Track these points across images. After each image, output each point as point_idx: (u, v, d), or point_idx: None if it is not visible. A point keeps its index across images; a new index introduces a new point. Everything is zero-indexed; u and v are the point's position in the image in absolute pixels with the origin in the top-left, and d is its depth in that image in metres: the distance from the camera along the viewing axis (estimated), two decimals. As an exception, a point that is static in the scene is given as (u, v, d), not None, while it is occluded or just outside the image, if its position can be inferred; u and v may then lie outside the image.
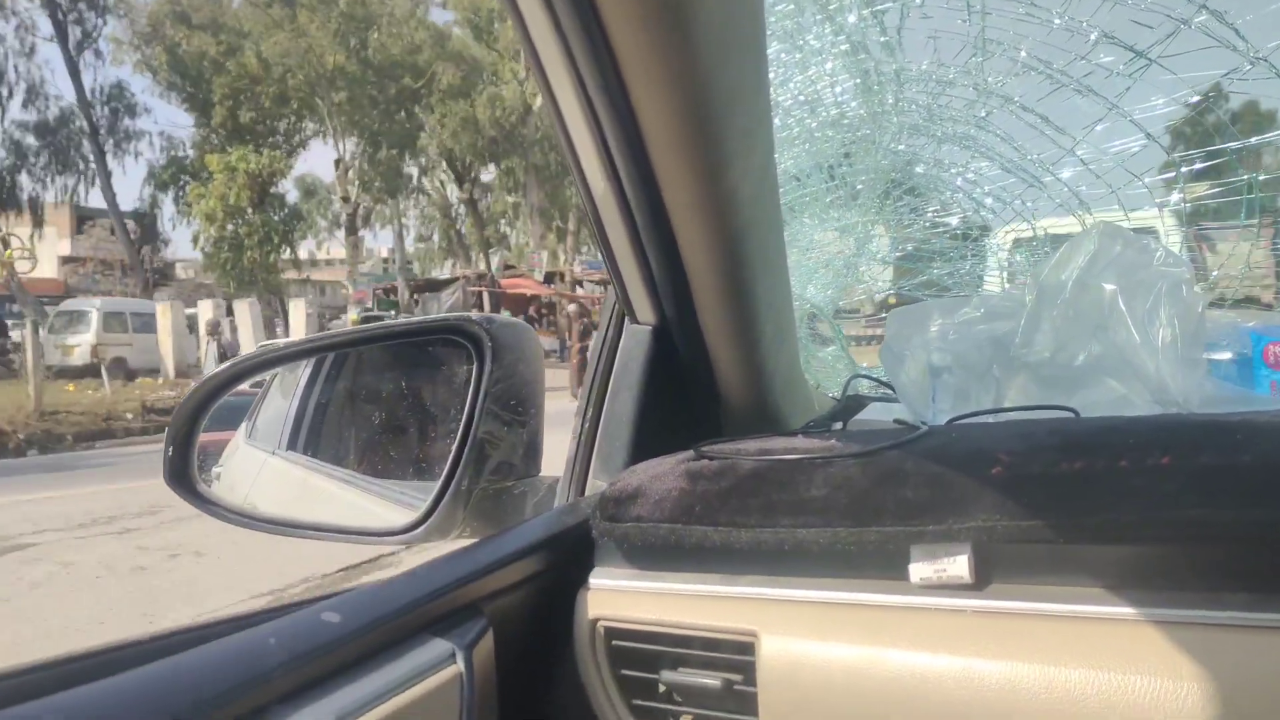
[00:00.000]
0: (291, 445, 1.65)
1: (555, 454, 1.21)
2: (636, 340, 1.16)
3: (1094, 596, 0.76)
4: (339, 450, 1.62)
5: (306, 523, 1.24)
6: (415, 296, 38.60)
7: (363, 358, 1.53)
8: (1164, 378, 1.08)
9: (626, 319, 1.17)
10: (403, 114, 43.28)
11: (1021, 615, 0.78)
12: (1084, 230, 1.25)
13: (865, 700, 0.80)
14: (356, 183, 42.29)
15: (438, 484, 1.12)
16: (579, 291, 42.94)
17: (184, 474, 1.22)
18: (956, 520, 0.80)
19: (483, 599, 0.87)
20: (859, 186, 1.34)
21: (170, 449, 1.22)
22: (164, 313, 26.12)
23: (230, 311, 27.23)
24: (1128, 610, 0.75)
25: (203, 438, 1.26)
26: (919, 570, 0.82)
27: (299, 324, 28.79)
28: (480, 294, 36.66)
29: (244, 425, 1.77)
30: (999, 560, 0.80)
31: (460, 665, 0.79)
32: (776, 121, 1.12)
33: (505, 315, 1.38)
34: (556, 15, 0.77)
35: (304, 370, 1.63)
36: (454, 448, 1.12)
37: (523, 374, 1.17)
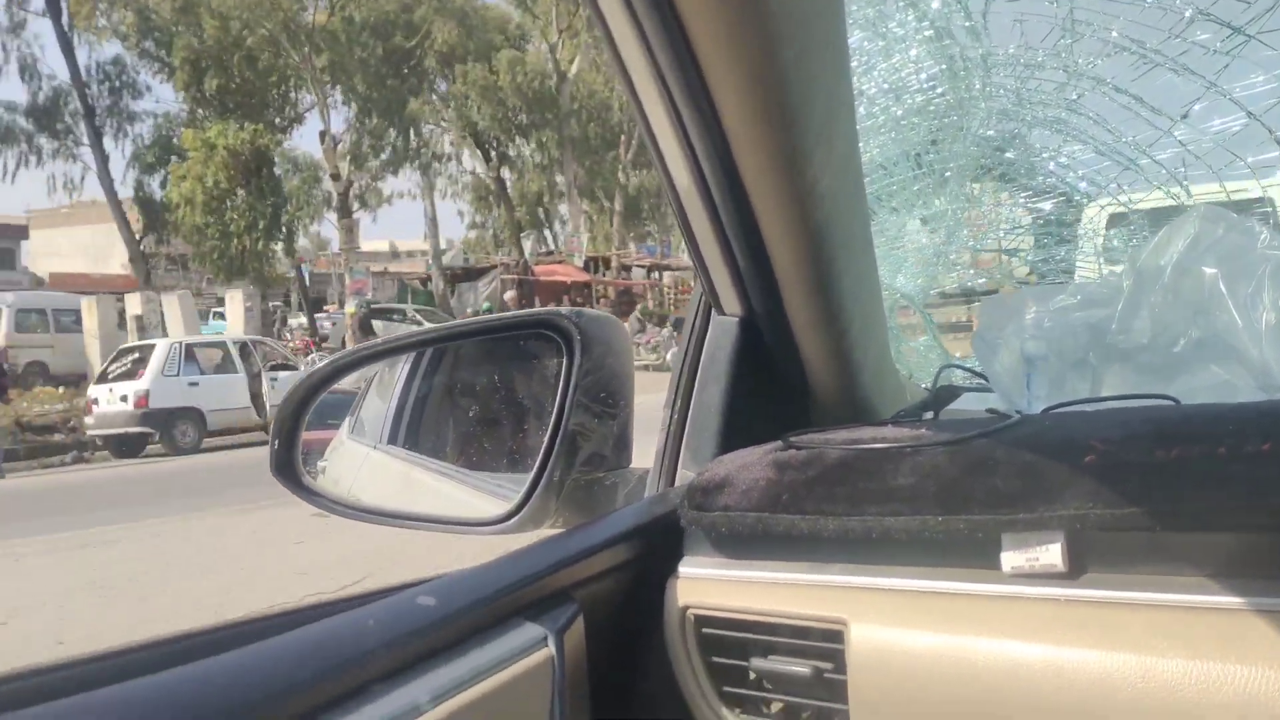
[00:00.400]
0: (392, 439, 1.70)
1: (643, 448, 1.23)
2: (723, 332, 1.17)
3: (1191, 585, 0.75)
4: (437, 443, 1.66)
5: (406, 513, 1.28)
6: (453, 287, 36.51)
7: (459, 353, 1.57)
8: (1268, 362, 1.05)
9: (713, 311, 1.18)
10: (399, 79, 38.55)
11: (1116, 604, 0.77)
12: (1184, 213, 1.21)
13: (956, 688, 0.79)
14: (349, 157, 38.75)
15: (530, 475, 1.15)
16: (629, 278, 40.28)
17: (289, 466, 1.27)
18: (1049, 508, 0.80)
19: (574, 585, 0.89)
20: (947, 174, 1.32)
21: (276, 442, 1.27)
22: (89, 309, 22.55)
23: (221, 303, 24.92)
24: (1225, 599, 0.73)
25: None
26: (1010, 559, 0.81)
27: (236, 318, 25.04)
28: (516, 282, 34.58)
29: (346, 421, 1.83)
30: (1093, 549, 0.79)
31: (552, 649, 0.81)
32: (860, 110, 1.12)
33: (595, 309, 1.40)
34: (635, 9, 0.78)
35: (403, 366, 1.68)
36: (546, 440, 1.15)
37: (612, 367, 1.19)
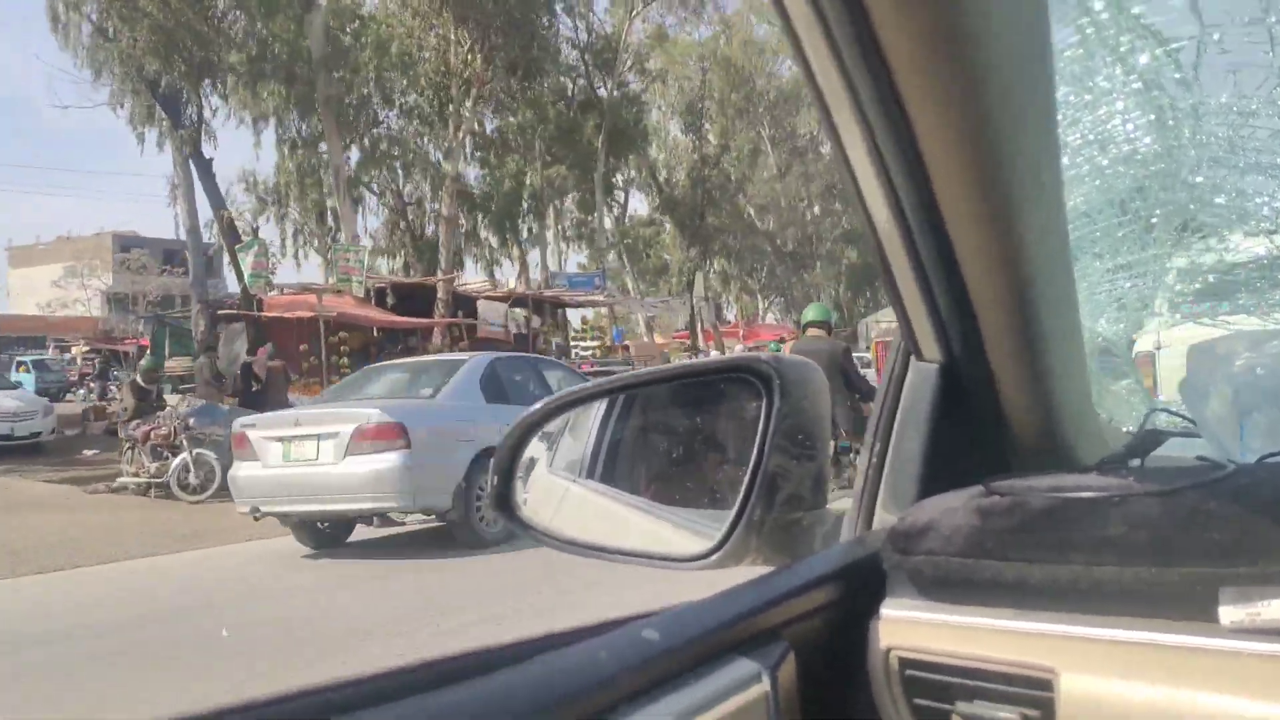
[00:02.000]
0: (590, 474, 1.78)
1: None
2: (923, 377, 1.18)
3: None
4: (633, 480, 1.73)
5: (610, 547, 1.35)
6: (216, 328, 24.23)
7: (653, 395, 1.63)
8: None
9: (912, 357, 1.20)
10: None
11: None
12: None
13: None
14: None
15: (731, 513, 1.19)
16: (490, 328, 26.57)
17: (507, 501, 1.36)
18: (1270, 563, 0.78)
19: (783, 624, 0.93)
20: (1154, 220, 1.30)
21: (495, 479, 1.36)
22: None
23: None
24: None
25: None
26: (1229, 613, 0.80)
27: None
28: (229, 322, 23.57)
29: (544, 457, 1.91)
30: None
31: (767, 685, 0.85)
32: (1065, 161, 1.12)
33: (792, 355, 1.44)
34: (842, 58, 0.80)
35: (598, 408, 1.76)
36: (746, 479, 1.19)
37: (809, 410, 1.22)
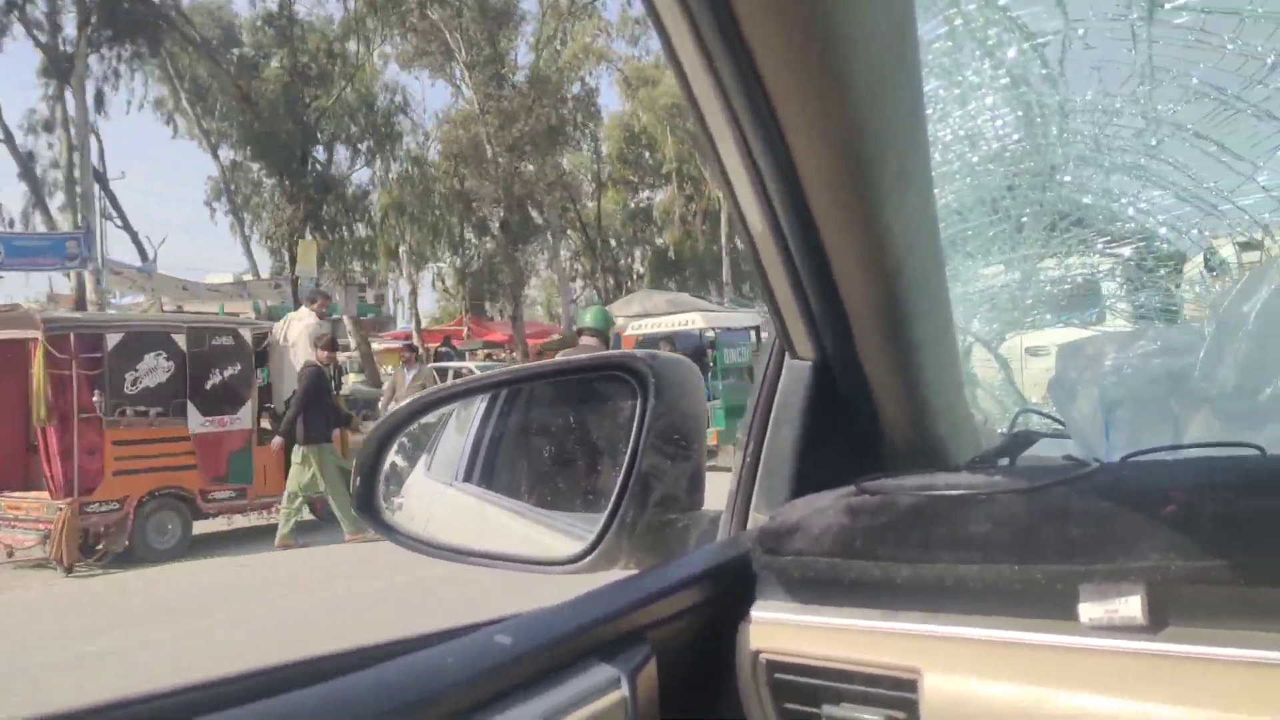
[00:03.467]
0: (467, 477, 1.73)
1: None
2: (796, 376, 1.17)
3: (1278, 642, 0.73)
4: (511, 482, 1.69)
5: (480, 551, 1.30)
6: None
7: (533, 393, 1.60)
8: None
9: (786, 354, 1.18)
10: None
11: (1201, 660, 0.75)
12: (1270, 260, 1.19)
13: None
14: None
15: (604, 516, 1.16)
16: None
17: (370, 503, 1.30)
18: (1128, 559, 0.78)
19: (647, 627, 0.90)
20: (1024, 219, 1.31)
21: (358, 479, 1.30)
22: None
23: None
24: None
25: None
26: (1088, 610, 0.80)
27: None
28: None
29: (423, 458, 1.86)
30: (1175, 602, 0.78)
31: (625, 691, 0.82)
32: (936, 157, 1.12)
33: (670, 354, 1.41)
34: (711, 56, 0.79)
35: (479, 406, 1.71)
36: (619, 481, 1.16)
37: (685, 409, 1.20)
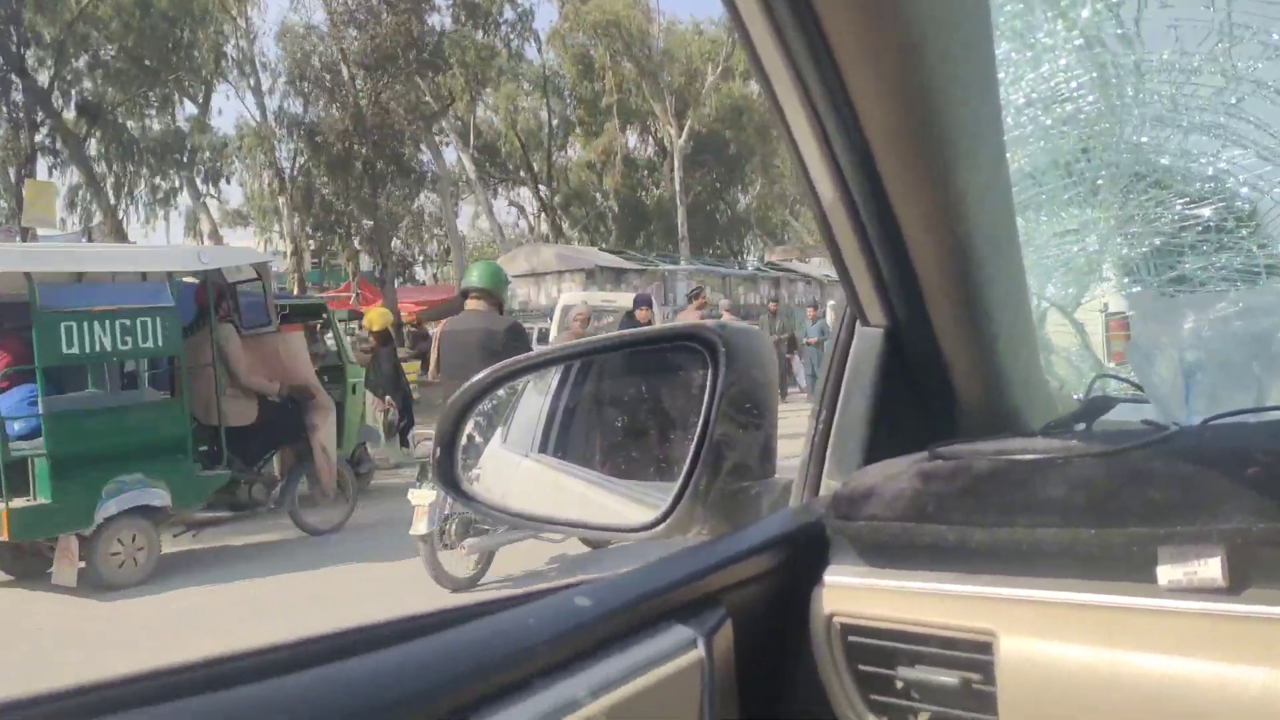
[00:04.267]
0: (542, 448, 1.76)
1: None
2: (868, 343, 1.17)
3: None
4: (585, 452, 1.72)
5: (557, 518, 1.33)
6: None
7: (605, 364, 1.62)
8: None
9: (858, 322, 1.19)
10: None
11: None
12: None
13: (1110, 702, 0.79)
14: None
15: (677, 484, 1.17)
16: None
17: (450, 474, 1.34)
18: (1208, 522, 0.78)
19: (722, 590, 0.92)
20: (1099, 181, 1.29)
21: (438, 450, 1.34)
22: None
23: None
24: None
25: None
26: (1167, 573, 0.80)
27: None
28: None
29: (499, 431, 1.89)
30: (1255, 564, 0.77)
31: (702, 651, 0.84)
32: (1008, 120, 1.11)
33: (739, 322, 1.42)
34: (778, 22, 0.79)
35: (553, 377, 1.74)
36: (691, 450, 1.17)
37: (756, 378, 1.21)
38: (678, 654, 0.82)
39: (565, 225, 42.75)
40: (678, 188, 37.78)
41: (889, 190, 0.93)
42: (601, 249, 32.79)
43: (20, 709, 0.52)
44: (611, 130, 41.69)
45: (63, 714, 0.55)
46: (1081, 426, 1.15)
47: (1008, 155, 1.03)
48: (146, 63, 27.08)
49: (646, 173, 44.49)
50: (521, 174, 41.34)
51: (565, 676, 0.74)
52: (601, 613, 0.80)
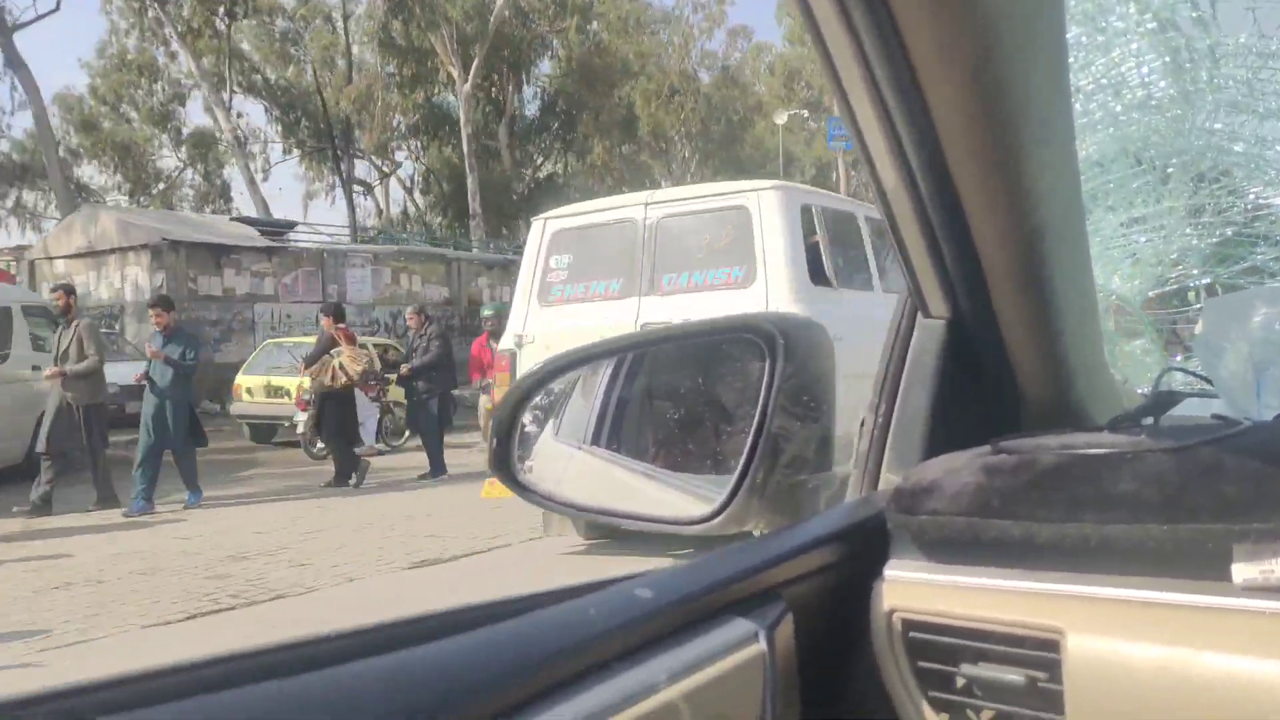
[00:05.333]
0: (595, 440, 1.76)
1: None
2: (929, 335, 1.15)
3: None
4: (639, 444, 1.71)
5: (613, 510, 1.33)
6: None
7: (659, 356, 1.61)
8: None
9: (919, 314, 1.17)
10: None
11: None
12: None
13: (1182, 702, 0.77)
14: None
15: (733, 478, 1.17)
16: None
17: (506, 463, 1.34)
18: None
19: (781, 584, 0.91)
20: (1169, 169, 1.26)
21: (494, 441, 1.34)
22: None
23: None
24: None
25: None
26: (1242, 570, 0.78)
27: None
28: None
29: (550, 423, 1.89)
30: None
31: (763, 645, 0.83)
32: (1077, 107, 1.08)
33: (797, 314, 1.41)
34: (846, 7, 0.78)
35: (605, 370, 1.74)
36: (748, 443, 1.16)
37: (814, 371, 1.19)
38: (739, 647, 0.81)
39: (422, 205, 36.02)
40: (465, 149, 31.39)
41: (956, 178, 0.92)
42: (235, 218, 26.45)
43: (23, 707, 0.52)
44: (371, 72, 34.27)
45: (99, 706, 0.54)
46: (1149, 421, 1.12)
47: (1076, 144, 1.01)
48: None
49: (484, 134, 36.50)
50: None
51: (627, 667, 0.73)
52: (662, 604, 0.80)
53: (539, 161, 39.25)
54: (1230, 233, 1.43)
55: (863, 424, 1.21)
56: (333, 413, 12.13)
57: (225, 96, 33.05)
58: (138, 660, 0.61)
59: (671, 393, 1.61)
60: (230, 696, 0.56)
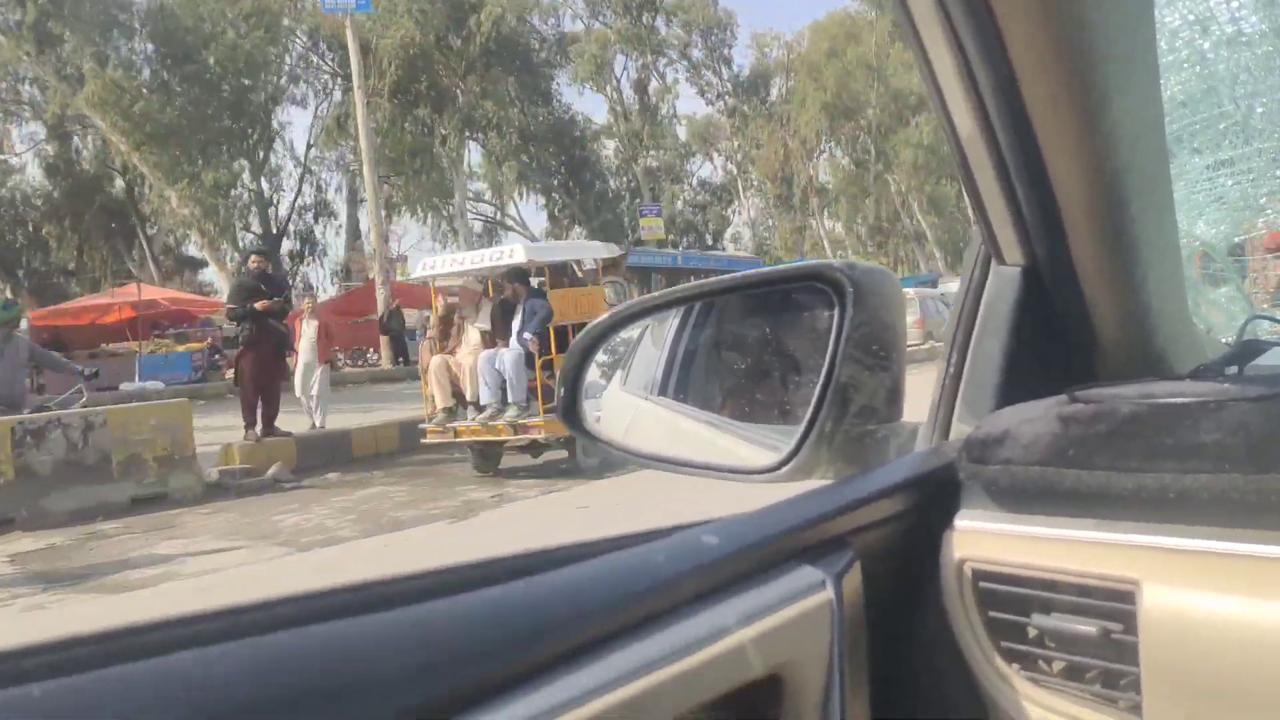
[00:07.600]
0: (662, 391, 1.76)
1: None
2: (1004, 282, 1.13)
3: None
4: (706, 395, 1.71)
5: (680, 459, 1.33)
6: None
7: (727, 306, 1.60)
8: None
9: (993, 261, 1.15)
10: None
11: None
12: None
13: (1261, 656, 0.75)
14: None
15: (801, 427, 1.16)
16: None
17: (574, 411, 1.35)
18: None
19: (850, 533, 0.91)
20: (1259, 110, 1.21)
21: (562, 390, 1.35)
22: None
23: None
24: None
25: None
26: None
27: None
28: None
29: (618, 374, 1.90)
30: None
31: (831, 593, 0.83)
32: (1161, 45, 1.04)
33: (868, 262, 1.39)
34: None
35: (673, 320, 1.74)
36: (817, 391, 1.15)
37: (884, 319, 1.18)
38: (807, 594, 0.81)
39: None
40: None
41: (1033, 120, 0.89)
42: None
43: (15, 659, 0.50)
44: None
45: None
46: (1233, 370, 1.09)
47: (1160, 83, 0.97)
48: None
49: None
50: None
51: (695, 613, 0.74)
52: (730, 551, 0.80)
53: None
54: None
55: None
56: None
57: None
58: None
59: (739, 342, 1.60)
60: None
